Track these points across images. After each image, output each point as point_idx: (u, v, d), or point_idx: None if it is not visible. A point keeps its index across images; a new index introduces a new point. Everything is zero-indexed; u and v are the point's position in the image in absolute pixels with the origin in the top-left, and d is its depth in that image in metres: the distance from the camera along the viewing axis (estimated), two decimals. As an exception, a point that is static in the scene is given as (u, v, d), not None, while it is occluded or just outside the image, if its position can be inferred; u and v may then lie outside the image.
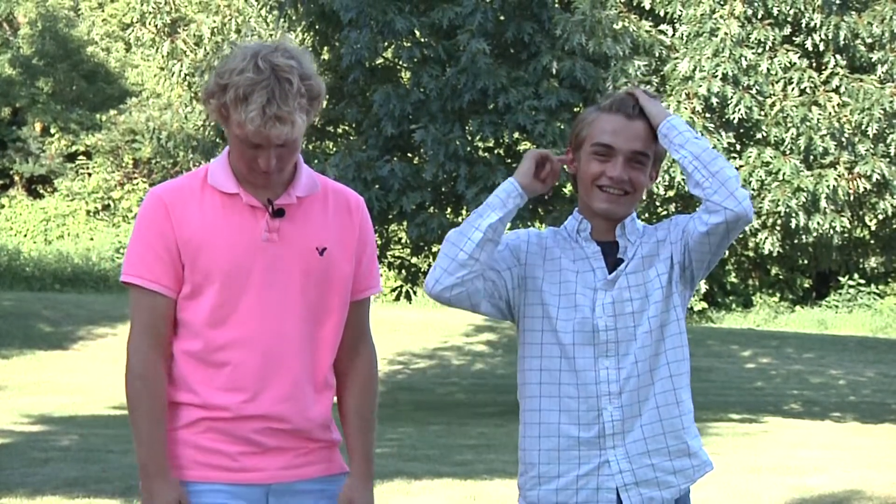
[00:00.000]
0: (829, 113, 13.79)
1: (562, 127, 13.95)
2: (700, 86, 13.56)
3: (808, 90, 14.07)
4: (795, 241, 14.69)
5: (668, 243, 3.37)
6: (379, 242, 16.68)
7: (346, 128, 16.22)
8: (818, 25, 14.02)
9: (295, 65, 3.12)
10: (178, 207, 3.20)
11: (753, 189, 13.91)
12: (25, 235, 31.33)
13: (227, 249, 3.19)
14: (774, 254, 14.68)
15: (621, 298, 3.33)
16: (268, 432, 3.22)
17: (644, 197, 13.86)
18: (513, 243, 3.44)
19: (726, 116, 13.78)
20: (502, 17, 14.40)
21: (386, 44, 14.59)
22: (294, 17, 15.73)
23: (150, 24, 16.01)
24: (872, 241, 16.49)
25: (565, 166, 3.40)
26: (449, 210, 15.42)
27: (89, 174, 32.96)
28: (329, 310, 3.28)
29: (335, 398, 3.44)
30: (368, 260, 3.38)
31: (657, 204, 15.05)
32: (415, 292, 29.23)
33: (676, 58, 13.98)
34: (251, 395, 3.21)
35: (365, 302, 3.41)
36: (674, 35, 14.25)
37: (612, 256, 3.37)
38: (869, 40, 14.18)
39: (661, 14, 14.28)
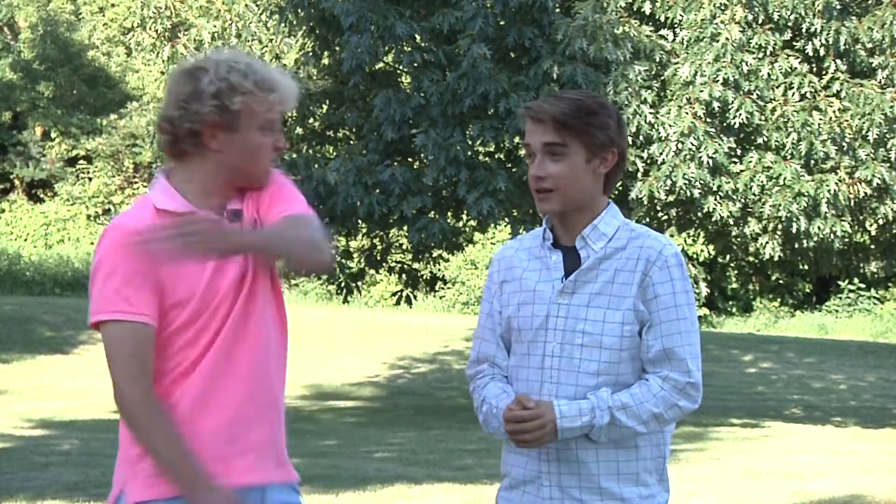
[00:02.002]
0: (830, 118, 13.80)
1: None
2: (701, 91, 13.57)
3: (808, 95, 14.08)
4: (796, 246, 14.69)
5: (632, 297, 3.25)
6: (380, 247, 16.68)
7: (347, 132, 16.23)
8: (819, 30, 14.03)
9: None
10: None
11: (754, 194, 13.92)
12: (26, 240, 31.34)
13: (198, 271, 3.13)
14: (775, 258, 14.68)
15: (574, 328, 3.24)
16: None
17: (645, 202, 13.90)
18: (489, 289, 3.43)
19: (727, 121, 13.78)
20: (503, 22, 14.40)
21: (386, 48, 14.58)
22: (294, 22, 15.73)
23: (150, 28, 16.01)
24: (873, 246, 16.49)
25: None
26: (450, 215, 15.41)
27: (90, 178, 32.98)
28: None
29: None
30: None
31: (658, 209, 15.06)
32: (415, 297, 29.21)
33: (677, 63, 13.98)
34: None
35: None
36: (674, 40, 14.25)
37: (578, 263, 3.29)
38: (869, 45, 14.19)
39: (662, 19, 14.28)
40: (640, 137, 13.82)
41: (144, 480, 3.18)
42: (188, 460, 3.10)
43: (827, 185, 13.70)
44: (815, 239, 14.10)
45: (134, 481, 3.21)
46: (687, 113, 13.58)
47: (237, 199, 3.23)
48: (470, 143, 14.43)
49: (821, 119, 13.77)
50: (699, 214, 14.49)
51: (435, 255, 17.37)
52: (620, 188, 15.00)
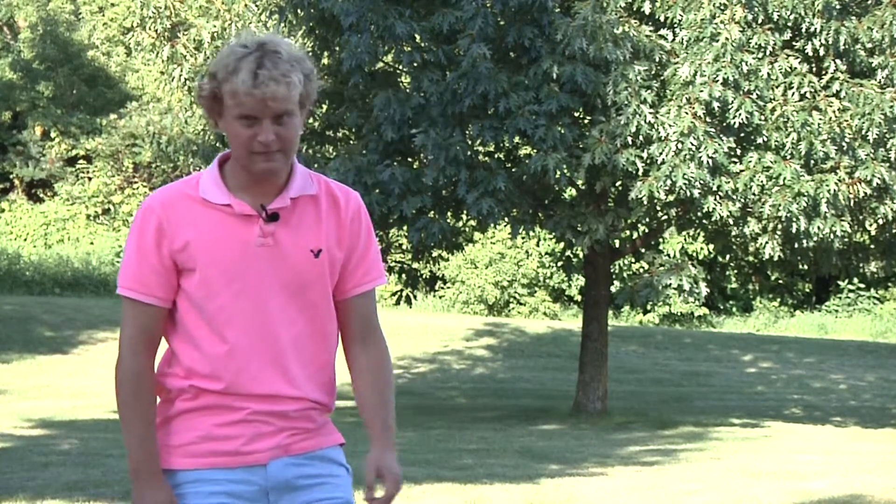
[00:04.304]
0: (830, 118, 13.80)
1: (562, 131, 13.95)
2: (701, 91, 13.57)
3: (808, 95, 14.08)
4: (796, 246, 14.69)
5: None
6: (380, 247, 16.64)
7: (347, 132, 16.23)
8: (818, 30, 14.03)
9: (281, 42, 3.08)
10: (172, 219, 3.13)
11: (754, 194, 13.92)
12: (25, 239, 31.32)
13: (220, 259, 3.13)
14: (775, 258, 14.67)
15: None
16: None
17: (645, 202, 13.89)
18: None
19: (727, 121, 13.78)
20: (503, 22, 14.40)
21: (386, 48, 14.59)
22: (294, 22, 15.73)
23: (150, 28, 16.02)
24: (872, 246, 16.49)
25: None
26: (449, 214, 15.41)
27: (89, 178, 32.96)
28: (317, 307, 3.36)
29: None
30: (361, 252, 3.35)
31: (658, 208, 15.05)
32: (415, 296, 29.22)
33: (677, 62, 13.99)
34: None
35: (366, 294, 3.47)
36: (674, 40, 14.25)
37: None
38: (869, 45, 14.19)
39: (662, 19, 14.28)
40: (640, 137, 13.83)
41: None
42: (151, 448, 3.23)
43: (827, 185, 13.70)
44: (815, 239, 14.10)
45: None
46: (687, 113, 13.58)
47: (279, 198, 3.15)
48: (470, 142, 14.43)
49: (820, 119, 13.77)
50: (699, 214, 14.49)
51: (435, 254, 17.37)
52: (620, 188, 15.02)
